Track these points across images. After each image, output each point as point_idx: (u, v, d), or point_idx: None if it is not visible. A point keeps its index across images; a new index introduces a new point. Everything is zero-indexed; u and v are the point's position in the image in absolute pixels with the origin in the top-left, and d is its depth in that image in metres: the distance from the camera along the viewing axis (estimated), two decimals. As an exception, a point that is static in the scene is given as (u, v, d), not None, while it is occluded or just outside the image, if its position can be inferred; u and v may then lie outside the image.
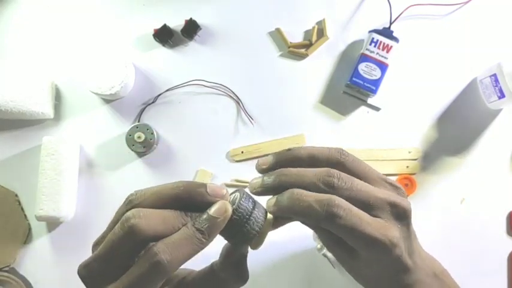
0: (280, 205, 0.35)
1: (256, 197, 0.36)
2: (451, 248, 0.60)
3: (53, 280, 0.59)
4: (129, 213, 0.31)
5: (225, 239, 0.35)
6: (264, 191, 0.36)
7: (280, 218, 0.36)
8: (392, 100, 0.62)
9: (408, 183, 0.60)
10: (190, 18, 0.63)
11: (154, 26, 0.63)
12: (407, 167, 0.61)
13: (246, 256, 0.36)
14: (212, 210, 0.32)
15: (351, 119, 0.63)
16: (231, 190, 0.60)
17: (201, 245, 0.32)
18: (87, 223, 0.60)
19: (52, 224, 0.60)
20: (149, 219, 0.31)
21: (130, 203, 0.32)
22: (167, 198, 0.32)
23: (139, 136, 0.59)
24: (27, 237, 0.60)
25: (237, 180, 0.61)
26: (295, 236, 0.57)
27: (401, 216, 0.36)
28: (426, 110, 0.62)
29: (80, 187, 0.61)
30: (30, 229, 0.60)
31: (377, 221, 0.34)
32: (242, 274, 0.36)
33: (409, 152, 0.62)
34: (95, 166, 0.62)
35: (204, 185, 0.33)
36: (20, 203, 0.61)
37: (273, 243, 0.59)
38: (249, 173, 0.61)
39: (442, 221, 0.60)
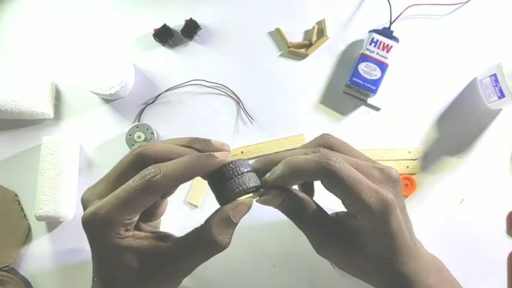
0: (276, 172, 0.36)
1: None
2: (451, 248, 0.60)
3: (53, 280, 0.59)
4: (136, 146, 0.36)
5: (212, 190, 0.37)
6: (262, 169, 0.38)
7: (274, 192, 0.37)
8: (392, 100, 0.62)
9: (408, 183, 0.60)
10: (190, 18, 0.63)
11: (154, 26, 0.63)
12: (408, 167, 0.61)
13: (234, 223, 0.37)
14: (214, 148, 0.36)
15: (351, 119, 0.63)
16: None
17: (194, 171, 0.34)
18: (87, 223, 0.60)
19: (52, 224, 0.60)
20: (156, 147, 0.35)
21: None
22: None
23: (139, 136, 0.59)
24: (27, 237, 0.60)
25: (237, 180, 0.61)
26: (295, 236, 0.57)
27: (392, 178, 0.37)
28: (426, 110, 0.63)
29: (80, 187, 0.61)
30: (30, 229, 0.60)
31: (372, 183, 0.36)
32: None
33: (409, 152, 0.62)
34: (95, 166, 0.62)
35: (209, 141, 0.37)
36: (19, 203, 0.61)
37: (273, 244, 0.59)
38: (249, 173, 0.61)
39: (442, 221, 0.60)
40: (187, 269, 0.35)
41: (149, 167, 0.33)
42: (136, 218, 0.34)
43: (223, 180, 0.35)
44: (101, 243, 0.34)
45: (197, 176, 0.35)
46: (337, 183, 0.35)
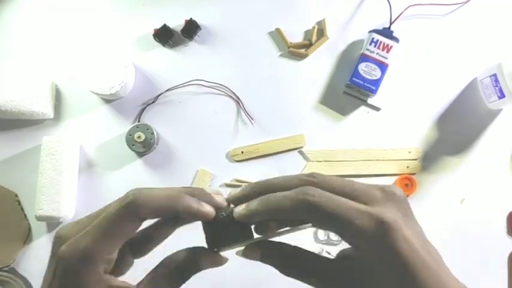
0: (251, 207, 0.32)
1: None
2: (451, 248, 0.60)
3: (53, 280, 0.59)
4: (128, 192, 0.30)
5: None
6: (244, 195, 0.34)
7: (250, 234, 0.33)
8: (392, 100, 0.62)
9: (408, 183, 0.60)
10: (190, 18, 0.63)
11: (154, 26, 0.63)
12: (408, 167, 0.61)
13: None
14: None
15: (351, 119, 0.62)
16: (231, 190, 0.61)
17: (176, 205, 0.30)
18: (87, 223, 0.60)
19: (52, 224, 0.60)
20: (150, 197, 0.30)
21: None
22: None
23: (140, 136, 0.59)
24: (27, 237, 0.60)
25: (237, 180, 0.61)
26: (295, 238, 0.57)
27: (396, 197, 0.30)
28: (426, 110, 0.62)
29: (80, 187, 0.61)
30: (30, 229, 0.60)
31: (365, 207, 0.29)
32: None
33: (409, 152, 0.62)
34: (95, 166, 0.62)
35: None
36: (20, 203, 0.61)
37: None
38: (249, 173, 0.61)
39: (442, 221, 0.60)
40: None
41: (131, 190, 0.30)
42: (115, 255, 0.31)
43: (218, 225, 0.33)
44: (75, 281, 0.29)
45: (182, 212, 0.31)
46: (320, 217, 0.30)
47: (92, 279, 0.29)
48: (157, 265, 0.32)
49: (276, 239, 0.34)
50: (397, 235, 0.28)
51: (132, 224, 0.30)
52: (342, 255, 0.34)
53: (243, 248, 0.33)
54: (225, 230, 0.33)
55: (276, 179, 0.33)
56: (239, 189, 0.34)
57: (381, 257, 0.29)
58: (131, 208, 0.29)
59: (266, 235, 0.34)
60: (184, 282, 0.32)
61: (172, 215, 0.31)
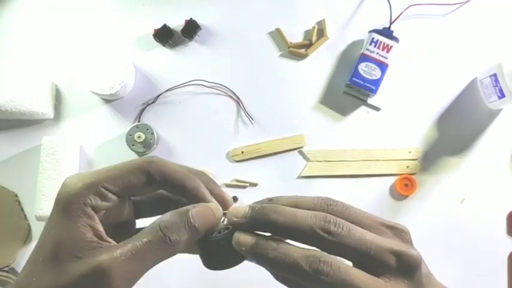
0: (259, 251, 0.30)
1: None
2: (452, 248, 0.60)
3: (53, 280, 0.59)
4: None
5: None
6: (246, 224, 0.30)
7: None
8: (392, 100, 0.62)
9: (408, 183, 0.60)
10: (190, 18, 0.63)
11: (154, 26, 0.63)
12: (408, 167, 0.61)
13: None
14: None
15: (351, 119, 0.63)
16: (231, 190, 0.61)
17: (190, 182, 0.32)
18: (87, 223, 0.60)
19: (52, 224, 0.60)
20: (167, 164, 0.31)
21: None
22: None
23: (140, 136, 0.59)
24: (27, 237, 0.60)
25: (237, 180, 0.61)
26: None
27: (410, 268, 0.30)
28: (426, 110, 0.63)
29: (80, 187, 0.60)
30: (30, 229, 0.60)
31: (377, 281, 0.29)
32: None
33: (409, 152, 0.62)
34: (94, 166, 0.62)
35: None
36: (20, 203, 0.61)
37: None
38: (249, 173, 0.61)
39: (442, 221, 0.60)
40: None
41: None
42: (113, 197, 0.30)
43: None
44: (63, 199, 0.29)
45: (183, 185, 0.32)
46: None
47: (76, 201, 0.29)
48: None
49: None
50: None
51: (141, 176, 0.30)
52: None
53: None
54: (223, 250, 0.30)
55: (284, 217, 0.30)
56: (239, 210, 0.31)
57: None
58: (145, 163, 0.30)
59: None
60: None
61: (179, 187, 0.31)
